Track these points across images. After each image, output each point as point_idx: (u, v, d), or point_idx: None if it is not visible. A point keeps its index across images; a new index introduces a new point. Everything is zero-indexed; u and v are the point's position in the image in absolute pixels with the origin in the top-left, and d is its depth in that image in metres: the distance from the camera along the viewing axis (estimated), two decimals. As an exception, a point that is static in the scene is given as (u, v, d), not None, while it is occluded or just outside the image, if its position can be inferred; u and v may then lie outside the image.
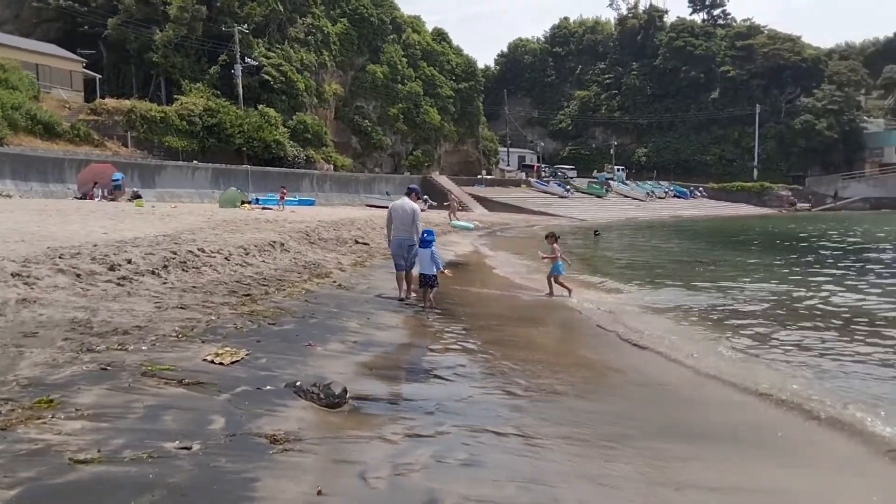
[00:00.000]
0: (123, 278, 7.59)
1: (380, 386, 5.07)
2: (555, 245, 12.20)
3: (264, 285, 8.74)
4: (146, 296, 7.16)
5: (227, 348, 5.39)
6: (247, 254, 10.50)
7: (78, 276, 7.22)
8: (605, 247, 27.68)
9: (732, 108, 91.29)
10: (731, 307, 10.98)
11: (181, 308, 6.80)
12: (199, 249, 9.76)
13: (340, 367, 5.38)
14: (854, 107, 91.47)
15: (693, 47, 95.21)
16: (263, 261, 10.54)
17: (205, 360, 5.03)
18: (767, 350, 7.84)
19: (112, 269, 7.81)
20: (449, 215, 37.89)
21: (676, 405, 5.62)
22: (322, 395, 4.32)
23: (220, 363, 5.00)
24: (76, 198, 28.62)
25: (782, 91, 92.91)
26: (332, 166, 52.45)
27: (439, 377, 5.54)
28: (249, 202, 31.98)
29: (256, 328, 6.33)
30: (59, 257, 7.78)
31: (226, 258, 9.78)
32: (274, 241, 12.09)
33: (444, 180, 60.00)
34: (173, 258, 8.97)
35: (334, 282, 10.00)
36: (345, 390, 4.46)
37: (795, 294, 12.44)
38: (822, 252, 23.87)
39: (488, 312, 9.75)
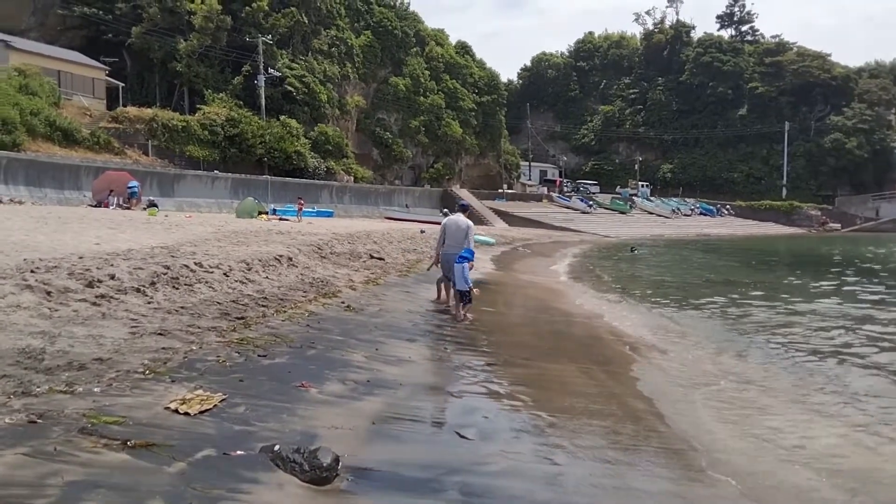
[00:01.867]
0: (101, 296, 6.69)
1: (384, 449, 4.04)
2: None
3: (263, 306, 7.79)
4: (123, 318, 6.24)
5: (200, 391, 4.43)
6: (249, 269, 9.57)
7: (48, 293, 6.33)
8: (653, 269, 25.22)
9: (760, 126, 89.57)
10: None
11: (159, 334, 5.87)
12: (195, 264, 8.85)
13: (336, 419, 4.37)
14: (885, 126, 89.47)
15: (721, 63, 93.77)
16: (267, 277, 9.60)
17: (167, 408, 4.07)
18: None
19: (90, 285, 6.91)
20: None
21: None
22: (306, 467, 3.32)
23: (186, 413, 4.03)
24: (91, 205, 28.12)
25: (811, 109, 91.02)
26: (352, 178, 51.85)
27: (460, 435, 4.51)
28: (267, 213, 31.25)
29: (243, 362, 5.36)
30: (32, 271, 6.89)
31: (225, 274, 8.85)
32: (281, 256, 11.14)
33: (464, 194, 59.01)
34: (165, 273, 8.06)
35: (342, 302, 9.00)
36: (336, 460, 3.44)
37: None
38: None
39: (513, 341, 8.68)
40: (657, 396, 6.28)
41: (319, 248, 13.88)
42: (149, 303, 7.00)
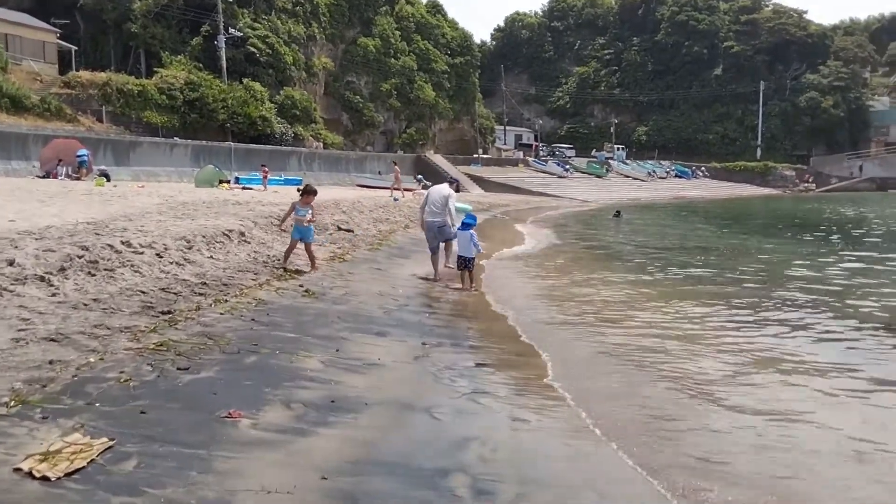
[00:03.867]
0: (-11, 290, 5.30)
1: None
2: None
3: (200, 294, 6.43)
4: (12, 318, 4.89)
5: (77, 434, 3.14)
6: (189, 247, 8.15)
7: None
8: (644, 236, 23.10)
9: (736, 85, 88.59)
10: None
11: (52, 340, 4.53)
12: (123, 243, 7.42)
13: (271, 473, 3.08)
14: (860, 84, 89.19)
15: (696, 21, 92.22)
16: (211, 256, 8.21)
17: (18, 469, 2.78)
18: None
19: (-24, 275, 5.51)
20: (391, 190, 31.39)
21: None
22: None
23: (45, 477, 2.74)
24: (39, 176, 26.22)
25: (787, 67, 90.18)
26: (321, 144, 49.91)
27: (452, 493, 3.24)
28: (228, 181, 29.55)
29: (153, 379, 4.05)
30: None
31: (158, 254, 7.45)
32: (230, 230, 9.70)
33: (439, 159, 57.58)
34: (81, 256, 6.66)
35: (300, 285, 7.64)
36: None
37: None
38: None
39: (502, 331, 7.41)
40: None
41: (280, 220, 12.43)
42: (52, 295, 5.62)
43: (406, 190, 33.00)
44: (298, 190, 9.94)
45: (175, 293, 6.27)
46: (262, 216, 12.33)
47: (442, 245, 10.73)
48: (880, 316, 8.58)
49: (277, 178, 37.02)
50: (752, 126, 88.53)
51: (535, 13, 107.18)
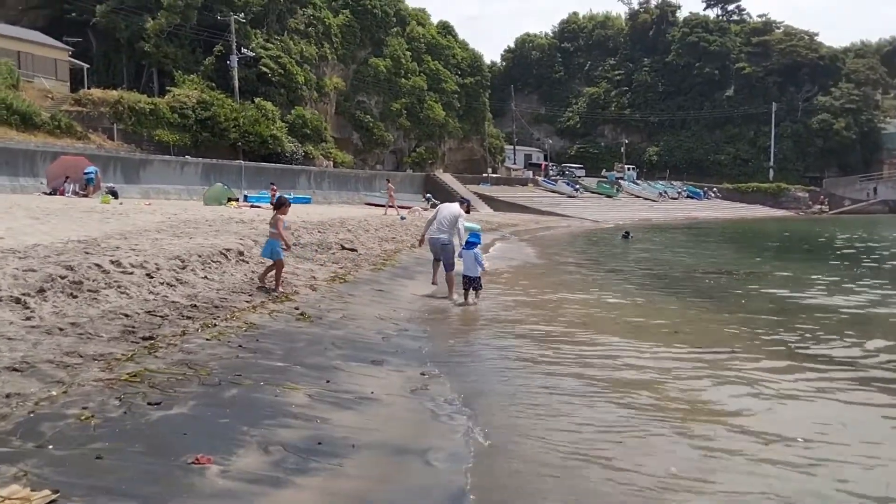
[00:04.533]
0: (-43, 313, 4.95)
1: None
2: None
3: (188, 317, 6.05)
4: (-24, 345, 4.51)
5: (15, 486, 2.75)
6: (183, 267, 7.79)
7: None
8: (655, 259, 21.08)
9: (748, 107, 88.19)
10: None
11: (15, 370, 4.16)
12: (112, 262, 7.08)
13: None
14: (872, 106, 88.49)
15: (707, 43, 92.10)
16: (206, 276, 7.85)
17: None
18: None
19: (-53, 297, 5.17)
20: (385, 209, 29.97)
21: None
22: None
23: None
24: (46, 193, 26.13)
25: (799, 89, 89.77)
26: (331, 163, 49.87)
27: None
28: (237, 199, 29.35)
29: (119, 416, 3.66)
30: None
31: (148, 275, 7.09)
32: (228, 249, 9.34)
33: (448, 178, 57.36)
34: (64, 276, 6.31)
35: (296, 308, 7.24)
36: None
37: None
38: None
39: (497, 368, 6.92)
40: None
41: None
42: (27, 318, 5.26)
43: (402, 207, 32.62)
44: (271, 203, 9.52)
45: (161, 316, 5.90)
46: (263, 235, 11.94)
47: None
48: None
49: (286, 196, 36.87)
50: (765, 147, 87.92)
51: (546, 34, 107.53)
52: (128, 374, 4.33)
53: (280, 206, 8.72)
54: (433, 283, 11.04)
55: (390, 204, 30.94)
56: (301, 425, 4.00)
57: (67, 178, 26.49)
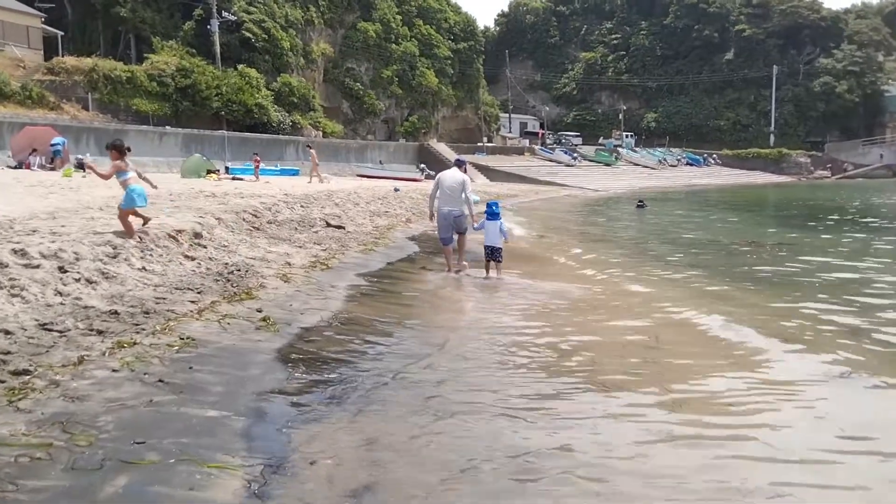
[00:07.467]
0: None
1: None
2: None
3: (99, 331, 4.39)
4: None
5: None
6: (115, 256, 6.13)
7: None
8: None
9: (748, 70, 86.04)
10: None
11: None
12: (14, 252, 5.43)
13: None
14: (875, 68, 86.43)
15: (706, 4, 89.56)
16: (143, 267, 6.18)
17: None
18: None
19: None
20: (310, 176, 28.03)
21: None
22: None
23: None
24: (11, 167, 24.29)
25: (800, 51, 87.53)
26: (320, 133, 47.86)
27: None
28: (217, 171, 27.55)
29: None
30: None
31: (61, 268, 5.43)
32: (181, 230, 7.65)
33: (442, 148, 55.49)
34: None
35: (258, 309, 5.59)
36: None
37: None
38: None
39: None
40: None
41: (256, 216, 10.40)
42: None
43: (397, 179, 30.56)
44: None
45: (59, 332, 4.24)
46: (234, 210, 10.29)
47: (455, 237, 9.74)
48: None
49: (273, 168, 35.04)
50: (765, 112, 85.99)
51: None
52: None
53: (112, 148, 7.35)
54: (449, 272, 9.61)
55: (314, 173, 28.36)
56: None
57: (34, 150, 24.65)
